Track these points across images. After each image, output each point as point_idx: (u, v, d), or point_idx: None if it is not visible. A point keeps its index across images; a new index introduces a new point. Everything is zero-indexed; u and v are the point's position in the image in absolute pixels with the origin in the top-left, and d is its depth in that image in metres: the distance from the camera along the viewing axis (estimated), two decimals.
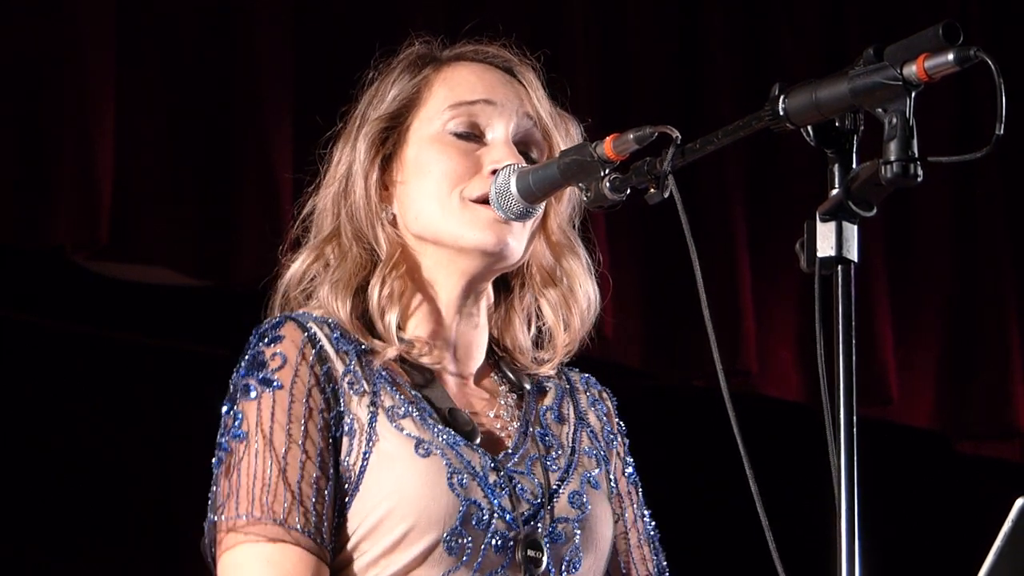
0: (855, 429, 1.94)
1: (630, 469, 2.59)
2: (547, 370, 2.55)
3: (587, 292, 2.53)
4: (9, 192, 4.18)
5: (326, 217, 2.51)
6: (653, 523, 2.59)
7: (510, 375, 2.53)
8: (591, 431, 2.55)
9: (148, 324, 4.81)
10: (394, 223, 2.49)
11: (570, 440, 2.51)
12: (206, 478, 2.39)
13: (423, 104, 2.50)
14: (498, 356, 2.56)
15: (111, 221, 4.21)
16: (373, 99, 2.53)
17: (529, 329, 2.56)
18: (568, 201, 2.53)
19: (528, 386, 2.54)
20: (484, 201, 2.44)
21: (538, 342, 2.56)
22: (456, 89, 2.50)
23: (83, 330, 4.74)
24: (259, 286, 2.57)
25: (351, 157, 2.50)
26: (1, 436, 4.64)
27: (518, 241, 2.45)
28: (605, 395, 2.62)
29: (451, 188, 2.45)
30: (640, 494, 2.59)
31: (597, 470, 2.50)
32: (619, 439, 2.60)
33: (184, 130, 4.39)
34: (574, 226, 2.56)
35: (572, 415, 2.55)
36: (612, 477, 2.54)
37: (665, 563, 2.59)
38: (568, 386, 2.59)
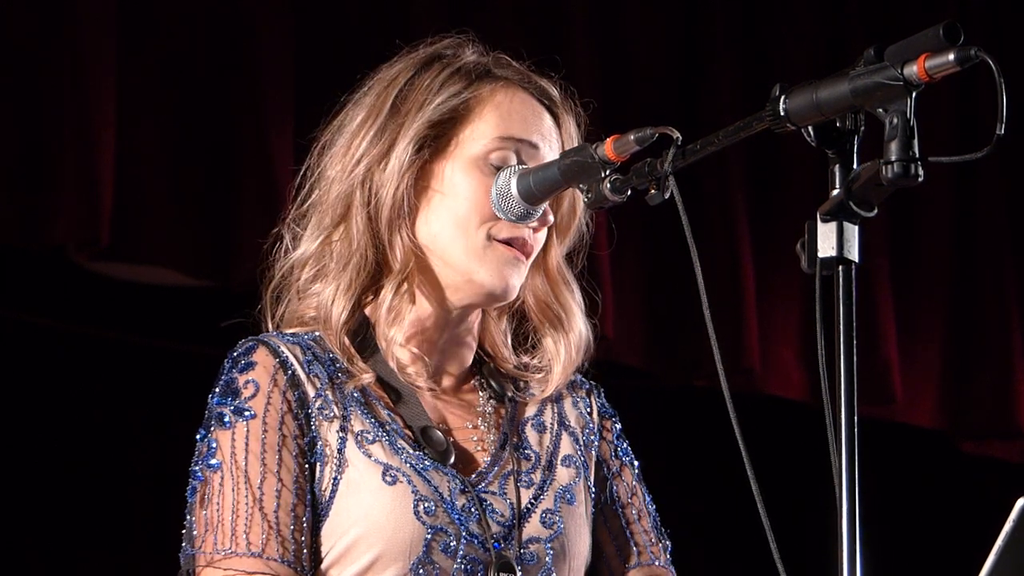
0: (856, 428, 1.94)
1: (621, 450, 2.56)
2: (540, 397, 2.52)
3: (580, 328, 2.52)
4: (10, 192, 4.18)
5: (339, 201, 2.44)
6: (653, 505, 2.57)
7: (492, 383, 2.51)
8: (572, 432, 2.52)
9: (148, 324, 4.81)
10: (411, 231, 2.44)
11: (548, 451, 2.48)
12: None
13: (471, 121, 2.44)
14: (483, 361, 2.54)
15: (112, 221, 4.21)
16: (409, 91, 2.44)
17: (518, 339, 2.55)
18: (569, 240, 2.52)
19: (510, 393, 2.51)
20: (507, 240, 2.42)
21: (525, 349, 2.55)
22: (507, 120, 2.44)
23: (83, 330, 4.74)
24: (259, 286, 2.56)
25: (382, 151, 2.42)
26: (1, 436, 4.64)
27: (520, 281, 2.44)
28: (592, 393, 2.59)
29: (479, 223, 2.41)
30: (637, 472, 2.56)
31: (575, 480, 2.47)
32: (607, 428, 2.56)
33: (184, 130, 4.39)
34: (577, 264, 2.54)
35: (554, 422, 2.52)
36: (591, 484, 2.51)
37: (669, 542, 2.56)
38: (553, 393, 2.55)
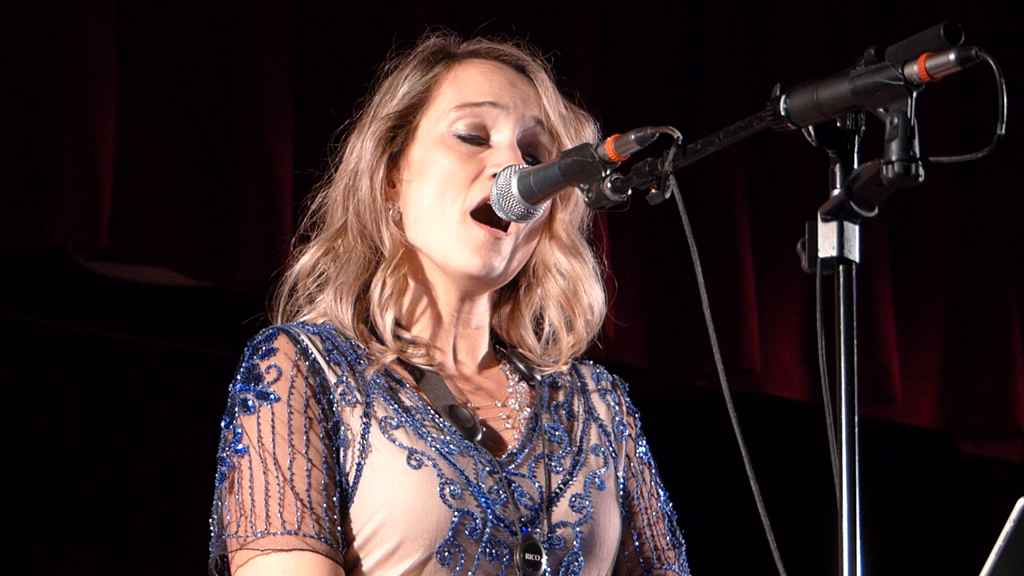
0: (856, 428, 1.93)
1: (642, 449, 2.59)
2: (554, 369, 2.54)
3: (592, 295, 2.53)
4: (10, 192, 4.18)
5: (336, 211, 2.51)
6: (670, 504, 2.59)
7: (520, 366, 2.53)
8: (601, 424, 2.54)
9: (148, 324, 4.80)
10: (399, 222, 2.49)
11: (578, 437, 2.50)
12: (206, 478, 2.38)
13: (431, 103, 2.50)
14: (508, 351, 2.56)
15: (112, 222, 4.20)
16: (385, 94, 2.52)
17: (538, 330, 2.56)
18: (576, 204, 2.53)
19: (539, 377, 2.53)
20: (484, 209, 2.43)
21: (547, 341, 2.57)
22: (463, 89, 2.49)
23: (83, 330, 4.74)
24: (259, 286, 2.57)
25: (359, 154, 2.49)
26: (1, 436, 4.64)
27: (504, 260, 2.45)
28: (617, 385, 2.62)
29: (454, 195, 2.44)
30: (654, 472, 2.59)
31: (604, 468, 2.49)
32: (631, 424, 2.59)
33: (184, 130, 4.39)
34: (582, 230, 2.56)
35: (582, 411, 2.54)
36: (621, 473, 2.53)
37: (683, 540, 2.59)
38: (579, 383, 2.58)
